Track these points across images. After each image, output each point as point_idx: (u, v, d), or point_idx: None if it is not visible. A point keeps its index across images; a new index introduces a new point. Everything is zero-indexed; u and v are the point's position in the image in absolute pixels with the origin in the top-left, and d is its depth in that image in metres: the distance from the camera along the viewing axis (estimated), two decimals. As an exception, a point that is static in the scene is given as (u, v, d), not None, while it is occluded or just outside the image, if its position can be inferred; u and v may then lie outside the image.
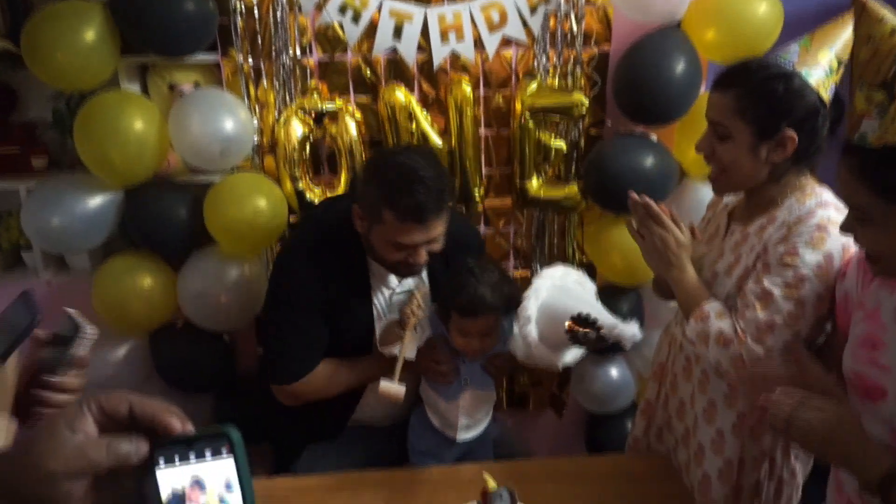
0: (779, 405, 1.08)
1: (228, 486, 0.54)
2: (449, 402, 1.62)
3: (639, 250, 1.88)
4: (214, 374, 2.09)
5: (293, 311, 1.57)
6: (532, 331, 1.40)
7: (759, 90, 1.28)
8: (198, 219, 1.88)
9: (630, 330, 1.34)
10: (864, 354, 1.06)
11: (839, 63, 1.28)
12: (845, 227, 1.07)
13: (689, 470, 1.52)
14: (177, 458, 0.54)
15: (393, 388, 1.47)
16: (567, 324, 1.36)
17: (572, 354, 1.48)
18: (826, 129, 1.31)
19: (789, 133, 1.27)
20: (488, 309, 1.50)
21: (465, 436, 1.65)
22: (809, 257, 1.25)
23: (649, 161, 1.91)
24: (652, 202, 1.40)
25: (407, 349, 1.53)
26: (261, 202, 1.85)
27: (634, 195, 1.40)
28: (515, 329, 1.44)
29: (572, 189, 2.07)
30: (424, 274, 1.67)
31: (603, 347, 1.39)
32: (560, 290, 1.48)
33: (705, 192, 1.92)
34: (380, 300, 1.65)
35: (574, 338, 1.36)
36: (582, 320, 1.35)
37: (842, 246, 1.25)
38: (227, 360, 2.11)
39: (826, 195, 1.32)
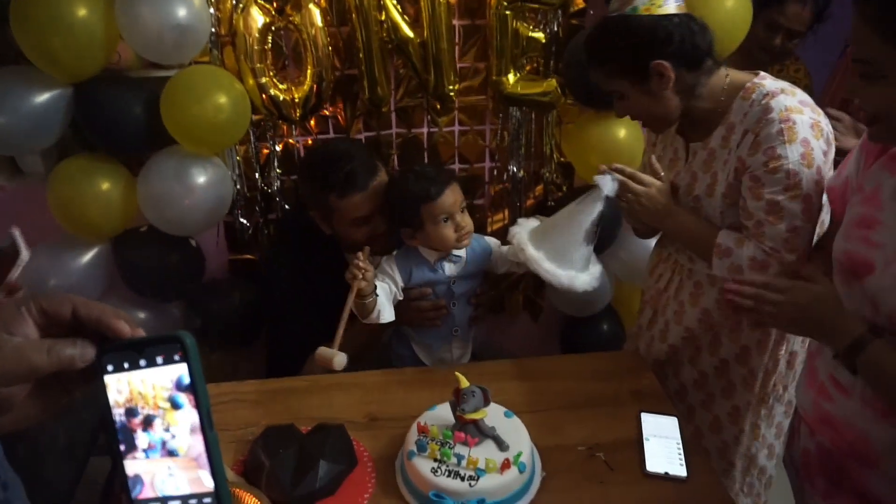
0: (743, 291, 1.10)
1: (181, 390, 0.50)
2: (438, 349, 1.67)
3: (621, 149, 1.85)
4: (182, 281, 2.03)
5: (283, 306, 1.73)
6: (539, 258, 1.46)
7: (604, 52, 1.33)
8: (155, 117, 1.77)
9: (604, 186, 1.39)
10: (858, 233, 1.05)
11: None
12: (851, 89, 1.03)
13: (701, 357, 1.54)
14: (126, 364, 0.50)
15: (328, 353, 1.34)
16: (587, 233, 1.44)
17: (588, 272, 1.53)
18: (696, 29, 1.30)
19: (655, 64, 1.28)
20: (446, 178, 1.53)
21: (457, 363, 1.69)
22: (790, 152, 1.24)
23: (632, 53, 1.82)
24: (622, 167, 1.42)
25: (385, 313, 1.48)
26: (221, 98, 1.75)
27: (603, 167, 1.43)
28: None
29: (551, 84, 1.98)
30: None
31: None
32: (536, 231, 1.53)
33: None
34: None
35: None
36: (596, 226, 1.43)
37: (810, 124, 1.24)
38: (195, 266, 2.05)
39: (767, 81, 1.31)
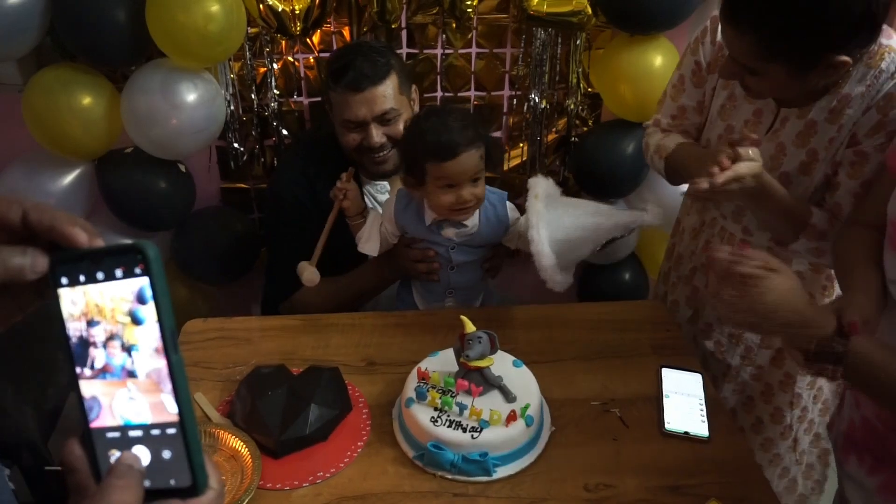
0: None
1: (142, 303, 0.48)
2: (431, 303, 1.60)
3: (655, 80, 1.74)
4: (171, 208, 2.00)
5: (284, 224, 1.67)
6: (552, 271, 1.37)
7: (788, 24, 1.03)
8: (140, 24, 1.70)
9: (653, 217, 1.32)
10: None
11: None
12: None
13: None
14: (81, 277, 0.48)
15: (301, 266, 1.49)
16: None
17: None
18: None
19: (838, 59, 1.05)
20: (467, 142, 1.34)
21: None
22: None
23: (674, -32, 1.72)
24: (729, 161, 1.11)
25: (369, 243, 1.52)
26: (212, 6, 1.67)
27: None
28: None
29: (581, 2, 1.88)
30: None
31: None
32: (555, 210, 1.39)
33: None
34: None
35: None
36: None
37: None
38: (184, 193, 2.01)
39: None
